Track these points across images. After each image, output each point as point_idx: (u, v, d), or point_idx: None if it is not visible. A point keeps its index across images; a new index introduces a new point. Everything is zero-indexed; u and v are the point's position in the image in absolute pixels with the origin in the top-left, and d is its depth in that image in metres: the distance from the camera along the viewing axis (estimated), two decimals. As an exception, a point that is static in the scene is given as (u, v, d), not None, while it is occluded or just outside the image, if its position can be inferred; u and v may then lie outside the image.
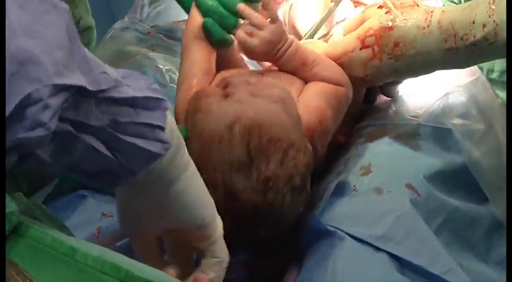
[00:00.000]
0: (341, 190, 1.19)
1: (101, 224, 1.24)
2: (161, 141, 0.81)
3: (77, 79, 0.69)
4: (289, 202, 1.10)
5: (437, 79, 1.37)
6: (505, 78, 1.47)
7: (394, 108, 1.38)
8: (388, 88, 1.40)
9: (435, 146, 1.27)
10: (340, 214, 1.15)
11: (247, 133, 1.08)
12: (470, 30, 1.18)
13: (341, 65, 1.30)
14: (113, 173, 0.80)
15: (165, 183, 0.88)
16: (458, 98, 1.34)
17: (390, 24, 1.27)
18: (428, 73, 1.30)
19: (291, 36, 1.29)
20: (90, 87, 0.71)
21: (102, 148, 0.76)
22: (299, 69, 1.28)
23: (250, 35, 1.26)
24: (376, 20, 1.29)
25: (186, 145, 0.91)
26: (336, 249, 1.10)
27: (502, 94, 1.46)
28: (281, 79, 1.25)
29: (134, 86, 0.78)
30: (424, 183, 1.19)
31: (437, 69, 1.28)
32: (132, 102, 0.77)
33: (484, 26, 1.17)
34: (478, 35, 1.17)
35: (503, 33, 1.15)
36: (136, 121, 0.77)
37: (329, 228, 1.12)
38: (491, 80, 1.46)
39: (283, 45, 1.27)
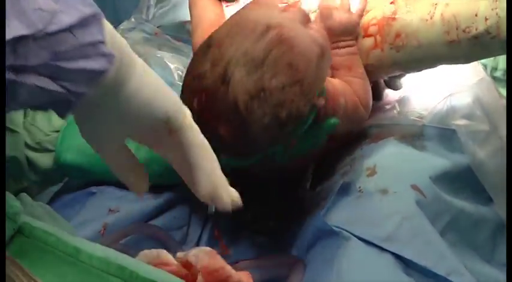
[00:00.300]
0: (346, 191, 1.19)
1: (107, 220, 1.23)
2: (104, 54, 0.77)
3: (14, 29, 0.68)
4: (262, 124, 1.09)
5: (441, 80, 1.37)
6: (508, 78, 1.46)
7: (398, 109, 1.37)
8: (391, 80, 1.40)
9: (440, 147, 1.27)
10: (345, 214, 1.15)
11: (277, 42, 1.10)
12: (473, 23, 1.18)
13: None
14: (63, 101, 0.77)
15: (117, 88, 0.85)
16: (463, 98, 1.33)
17: (393, 15, 1.26)
18: (431, 67, 1.30)
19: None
20: (27, 32, 0.68)
21: (46, 83, 0.74)
22: (342, 69, 1.28)
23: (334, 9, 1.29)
24: (380, 10, 1.29)
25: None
26: (341, 250, 1.10)
27: (505, 93, 1.45)
28: None
29: (67, 9, 0.74)
30: (430, 184, 1.19)
31: (439, 64, 1.28)
32: (70, 28, 0.74)
33: (486, 19, 1.16)
34: (480, 28, 1.17)
35: (505, 27, 1.14)
36: (76, 44, 0.74)
37: (334, 228, 1.12)
38: (494, 78, 1.46)
39: (350, 40, 1.30)
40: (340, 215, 1.15)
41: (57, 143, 1.27)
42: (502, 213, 1.26)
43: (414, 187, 1.18)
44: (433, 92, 1.36)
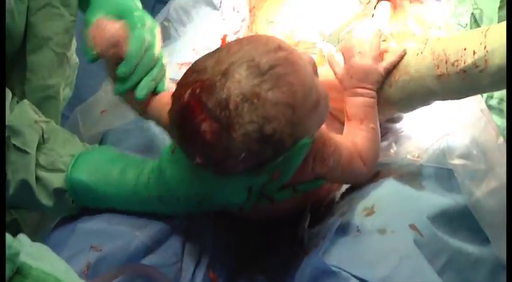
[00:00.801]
0: (344, 230, 1.19)
1: (90, 259, 1.21)
2: None
3: None
4: (245, 130, 1.09)
5: (438, 118, 1.38)
6: (503, 106, 1.47)
7: (395, 148, 1.38)
8: None
9: (437, 186, 1.28)
10: (343, 254, 1.15)
11: (284, 61, 1.12)
12: (461, 56, 1.20)
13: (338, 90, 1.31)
14: None
15: None
16: (459, 138, 1.34)
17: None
18: (424, 104, 1.31)
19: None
20: None
21: None
22: (354, 120, 1.30)
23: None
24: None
25: None
26: (340, 290, 1.08)
27: (499, 121, 1.46)
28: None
29: None
30: (427, 224, 1.19)
31: (431, 100, 1.29)
32: None
33: (474, 52, 1.18)
34: (468, 61, 1.19)
35: (493, 61, 1.16)
36: None
37: (333, 268, 1.12)
38: (489, 107, 1.47)
39: (369, 89, 1.30)
40: (338, 254, 1.15)
41: (70, 163, 1.28)
42: (500, 253, 1.26)
43: (412, 227, 1.18)
44: (429, 131, 1.38)
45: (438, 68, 1.22)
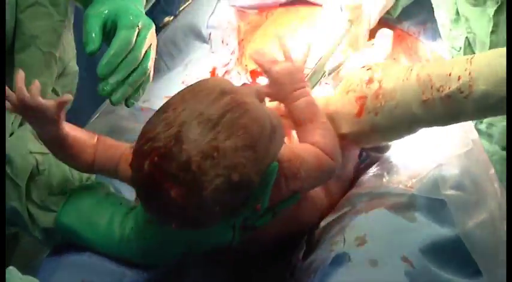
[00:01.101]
0: (337, 261, 1.19)
1: None
2: None
3: None
4: (214, 185, 1.09)
5: (430, 149, 1.38)
6: (492, 131, 1.47)
7: (387, 177, 1.38)
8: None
9: (429, 217, 1.27)
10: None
11: (232, 105, 1.12)
12: (446, 82, 1.20)
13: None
14: None
15: None
16: (452, 169, 1.35)
17: (370, 79, 1.29)
18: (410, 132, 1.31)
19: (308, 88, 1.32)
20: None
21: None
22: (304, 124, 1.30)
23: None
24: (356, 76, 1.32)
25: None
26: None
27: (488, 146, 1.46)
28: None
29: None
30: (419, 256, 1.20)
31: (417, 127, 1.29)
32: None
33: (459, 78, 1.19)
34: (453, 86, 1.19)
35: (478, 87, 1.17)
36: None
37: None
38: (478, 131, 1.47)
39: (301, 87, 1.31)
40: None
41: (61, 205, 1.28)
42: (493, 285, 1.25)
43: (404, 259, 1.18)
44: (421, 160, 1.38)
45: (424, 93, 1.22)
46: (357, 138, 1.32)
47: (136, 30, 1.32)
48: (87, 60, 1.47)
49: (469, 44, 1.39)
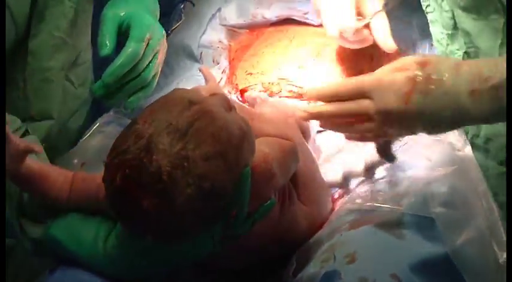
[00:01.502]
0: (327, 278, 1.19)
1: None
2: None
3: None
4: (186, 195, 1.10)
5: (419, 167, 1.39)
6: (490, 146, 1.46)
7: (376, 194, 1.39)
8: (387, 150, 1.40)
9: (418, 235, 1.26)
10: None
11: (200, 114, 1.14)
12: (495, 73, 1.16)
13: None
14: None
15: None
16: (440, 186, 1.34)
17: (423, 60, 1.26)
18: (454, 127, 1.29)
19: None
20: None
21: None
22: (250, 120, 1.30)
23: None
24: (408, 58, 1.29)
25: None
26: None
27: (483, 161, 1.46)
28: None
29: None
30: (408, 274, 1.19)
31: (463, 121, 1.24)
32: None
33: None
34: (501, 77, 1.16)
35: None
36: None
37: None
38: (474, 145, 1.47)
39: None
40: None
41: (52, 218, 1.30)
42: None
43: (393, 276, 1.17)
44: (411, 179, 1.38)
45: (472, 83, 1.19)
46: (400, 119, 1.28)
47: (146, 42, 1.45)
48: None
49: (468, 58, 1.37)
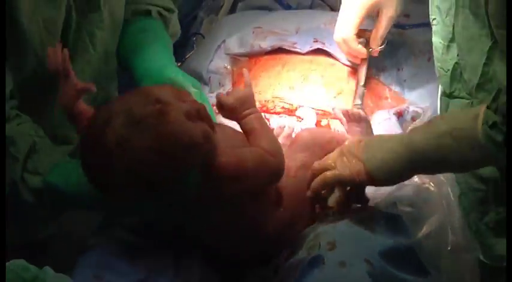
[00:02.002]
0: (313, 263, 1.21)
1: None
2: None
3: None
4: (121, 169, 1.14)
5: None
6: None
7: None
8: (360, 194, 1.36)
9: (388, 229, 1.30)
10: (314, 283, 1.23)
11: (158, 114, 1.15)
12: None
13: None
14: None
15: None
16: (407, 190, 1.38)
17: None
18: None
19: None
20: None
21: None
22: (252, 133, 1.32)
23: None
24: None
25: None
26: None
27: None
28: (226, 131, 1.35)
29: None
30: (379, 259, 1.22)
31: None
32: None
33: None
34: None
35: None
36: None
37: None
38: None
39: (252, 107, 1.34)
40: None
41: (49, 169, 1.33)
42: (437, 282, 1.34)
43: (366, 261, 1.20)
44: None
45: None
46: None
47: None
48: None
49: (457, 68, 1.35)
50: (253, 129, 1.32)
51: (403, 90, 1.81)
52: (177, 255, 1.35)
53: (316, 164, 1.32)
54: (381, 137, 1.35)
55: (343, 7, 1.70)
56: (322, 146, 1.42)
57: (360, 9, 1.65)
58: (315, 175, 1.32)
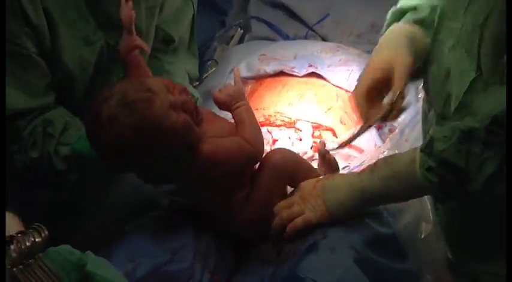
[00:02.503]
0: (309, 248, 1.23)
1: (128, 269, 1.22)
2: None
3: None
4: (109, 142, 1.18)
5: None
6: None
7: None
8: None
9: (371, 220, 1.30)
10: (308, 266, 1.21)
11: (146, 101, 1.17)
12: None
13: None
14: None
15: None
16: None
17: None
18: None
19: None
20: None
21: None
22: (240, 123, 1.33)
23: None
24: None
25: None
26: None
27: None
28: (218, 123, 1.36)
29: None
30: (363, 247, 1.25)
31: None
32: None
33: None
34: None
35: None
36: None
37: (301, 275, 1.19)
38: None
39: (243, 100, 1.36)
40: (305, 266, 1.21)
41: (76, 140, 1.35)
42: (413, 267, 1.32)
43: (352, 248, 1.24)
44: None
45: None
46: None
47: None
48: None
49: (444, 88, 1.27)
50: (241, 119, 1.34)
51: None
52: (196, 233, 1.34)
53: (284, 214, 1.27)
54: (333, 179, 1.28)
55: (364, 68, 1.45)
56: (288, 168, 1.35)
57: (373, 71, 1.36)
58: (282, 220, 1.27)
